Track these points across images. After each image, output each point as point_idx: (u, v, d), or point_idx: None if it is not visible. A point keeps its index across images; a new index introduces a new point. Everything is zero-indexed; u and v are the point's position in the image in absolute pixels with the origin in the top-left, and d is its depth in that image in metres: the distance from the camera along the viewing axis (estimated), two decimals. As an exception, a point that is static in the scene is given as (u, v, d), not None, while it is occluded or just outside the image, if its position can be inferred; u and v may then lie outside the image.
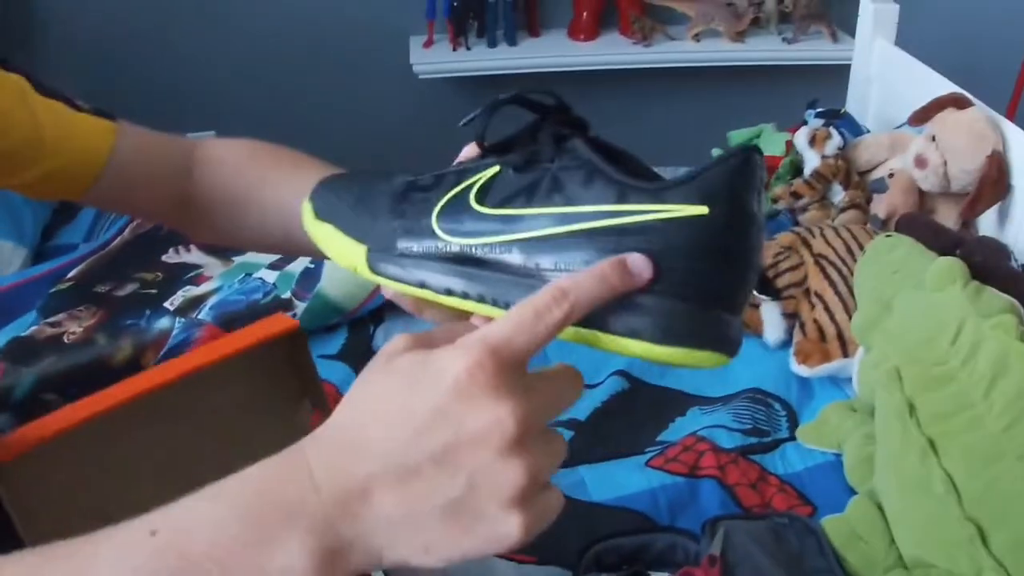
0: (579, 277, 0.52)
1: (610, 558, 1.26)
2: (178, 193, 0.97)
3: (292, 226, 0.84)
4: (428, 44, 3.06)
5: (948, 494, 1.19)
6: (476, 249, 0.60)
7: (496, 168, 0.62)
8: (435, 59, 3.03)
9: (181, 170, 0.97)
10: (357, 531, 0.47)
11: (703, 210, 0.55)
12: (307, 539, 0.46)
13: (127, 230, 2.00)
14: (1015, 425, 1.18)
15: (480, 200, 0.61)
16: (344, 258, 0.68)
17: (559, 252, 0.57)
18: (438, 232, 0.62)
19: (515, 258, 0.59)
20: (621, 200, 0.56)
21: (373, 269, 0.66)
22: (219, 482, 0.49)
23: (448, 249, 0.62)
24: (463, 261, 0.61)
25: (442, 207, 0.63)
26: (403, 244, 0.64)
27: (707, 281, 0.57)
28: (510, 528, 0.48)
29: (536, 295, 0.51)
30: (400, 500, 0.47)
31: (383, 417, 0.48)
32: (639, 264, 0.53)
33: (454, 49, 3.03)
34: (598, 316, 0.55)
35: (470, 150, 0.68)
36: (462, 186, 0.63)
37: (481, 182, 0.62)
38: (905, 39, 2.39)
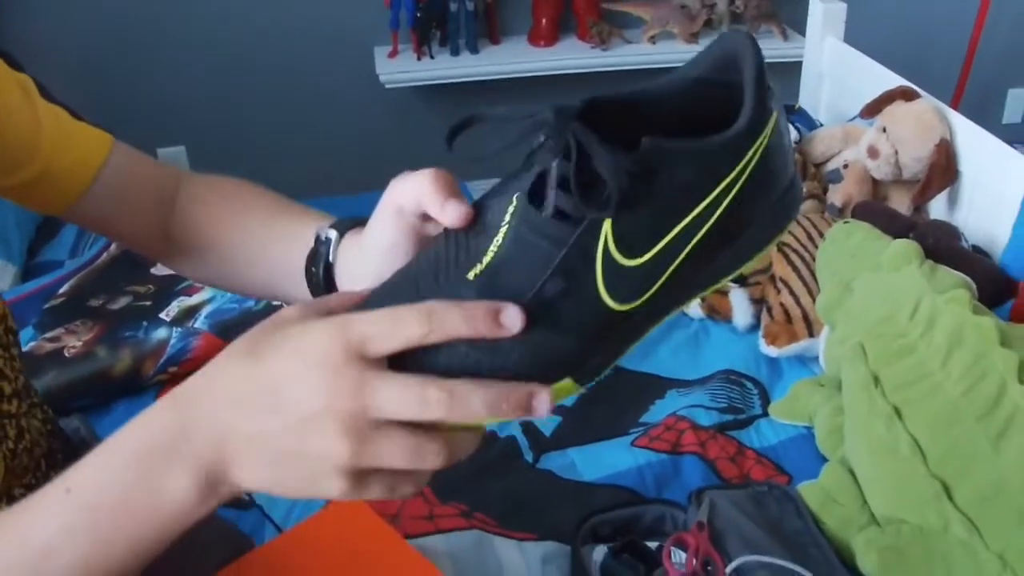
0: (451, 308, 0.53)
1: (605, 530, 1.34)
2: (162, 223, 0.95)
3: (271, 277, 0.86)
4: (393, 54, 3.12)
5: (914, 455, 1.29)
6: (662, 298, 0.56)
7: (605, 220, 0.53)
8: (400, 68, 3.09)
9: (168, 200, 0.96)
10: (222, 467, 0.55)
11: None
12: (187, 476, 0.54)
13: (112, 245, 2.06)
14: (972, 390, 1.28)
15: (626, 253, 0.54)
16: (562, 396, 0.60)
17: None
18: (619, 308, 0.55)
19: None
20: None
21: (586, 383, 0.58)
22: (114, 436, 0.57)
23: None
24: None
25: (602, 286, 0.55)
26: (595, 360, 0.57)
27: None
28: (331, 490, 0.54)
29: (409, 306, 0.53)
30: (247, 443, 0.54)
31: (245, 368, 0.54)
32: (511, 317, 0.53)
33: (418, 58, 3.10)
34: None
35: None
36: (593, 262, 0.54)
37: (607, 239, 0.54)
38: (854, 36, 2.50)
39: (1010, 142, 1.90)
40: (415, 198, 0.60)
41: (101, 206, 0.89)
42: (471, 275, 0.55)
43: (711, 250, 0.56)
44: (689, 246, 0.55)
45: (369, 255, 0.66)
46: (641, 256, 0.54)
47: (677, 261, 0.55)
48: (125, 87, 3.08)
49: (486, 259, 0.55)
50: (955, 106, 3.34)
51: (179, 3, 3.09)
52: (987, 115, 3.68)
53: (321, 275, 0.75)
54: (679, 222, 0.54)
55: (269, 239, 0.86)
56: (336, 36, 3.19)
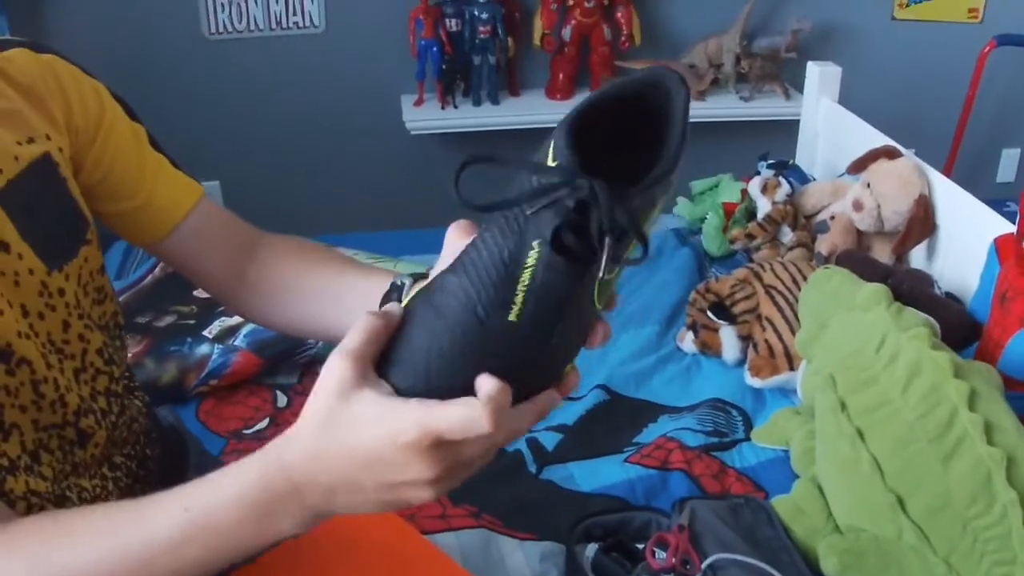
0: (510, 414, 0.66)
1: (596, 531, 1.51)
2: (239, 270, 1.07)
3: (343, 321, 0.89)
4: (419, 103, 3.32)
5: (873, 472, 1.45)
6: None
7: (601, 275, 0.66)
8: (425, 116, 3.29)
9: (247, 250, 1.08)
10: (325, 511, 0.70)
11: None
12: (296, 523, 0.70)
13: (158, 268, 2.24)
14: (926, 415, 1.44)
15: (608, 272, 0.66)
16: None
17: None
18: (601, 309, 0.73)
19: None
20: None
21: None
22: (237, 464, 0.72)
23: None
24: None
25: (596, 298, 0.69)
26: None
27: None
28: (422, 499, 0.69)
29: (478, 409, 0.64)
30: (352, 498, 0.69)
31: (345, 446, 0.67)
32: (556, 399, 0.72)
33: (443, 107, 3.29)
34: None
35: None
36: (593, 282, 0.67)
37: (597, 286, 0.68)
38: (853, 98, 2.68)
39: (1003, 200, 2.04)
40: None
41: (187, 244, 1.03)
42: (512, 317, 0.66)
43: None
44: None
45: None
46: (612, 272, 0.68)
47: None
48: (166, 126, 3.27)
49: (518, 299, 0.66)
50: (950, 165, 3.53)
51: (217, 51, 3.29)
52: (981, 174, 3.85)
53: None
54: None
55: (343, 286, 1.00)
56: (366, 85, 3.39)
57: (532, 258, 0.64)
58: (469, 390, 0.66)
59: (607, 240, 0.63)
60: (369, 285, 0.94)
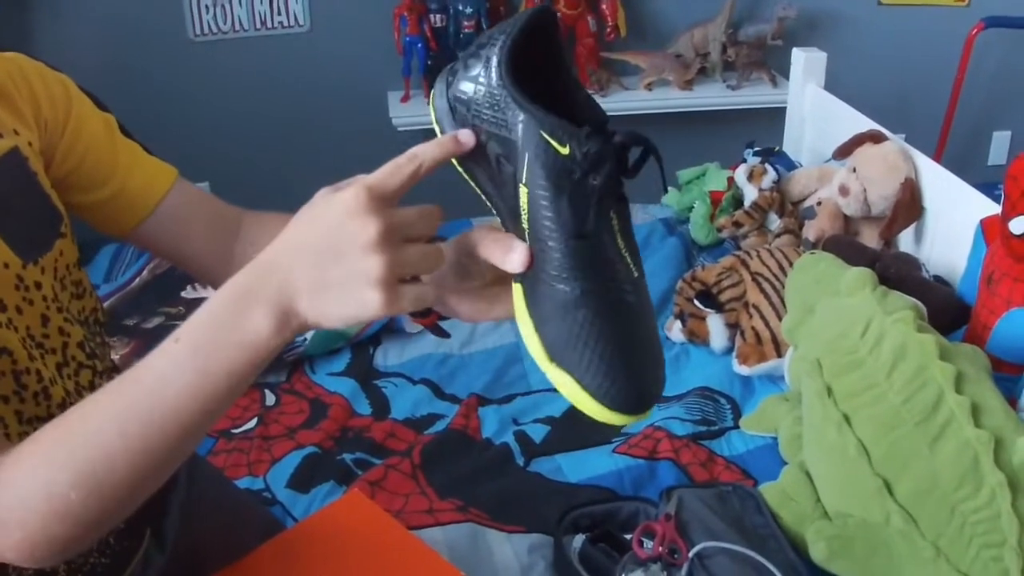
0: (426, 145, 0.74)
1: (584, 522, 1.50)
2: (224, 250, 1.07)
3: None
4: (405, 99, 3.33)
5: (860, 456, 1.45)
6: None
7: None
8: (412, 113, 3.29)
9: (230, 229, 1.09)
10: (291, 300, 0.71)
11: None
12: (264, 312, 0.71)
13: (145, 271, 2.24)
14: (912, 398, 1.44)
15: None
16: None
17: None
18: None
19: None
20: None
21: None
22: (212, 295, 0.75)
23: None
24: None
25: None
26: None
27: None
28: (375, 301, 0.70)
29: (402, 155, 0.73)
30: (311, 277, 0.71)
31: (302, 232, 0.73)
32: (466, 136, 0.76)
33: (428, 103, 3.28)
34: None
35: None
36: None
37: None
38: (840, 85, 2.67)
39: (995, 184, 2.03)
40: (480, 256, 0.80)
41: (167, 227, 1.04)
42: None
43: None
44: None
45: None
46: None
47: None
48: (153, 126, 3.27)
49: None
50: (940, 149, 3.52)
51: (203, 53, 3.29)
52: (973, 157, 3.85)
53: None
54: None
55: None
56: (352, 83, 3.39)
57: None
58: None
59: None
60: None
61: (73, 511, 0.73)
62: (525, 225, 0.75)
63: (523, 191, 0.74)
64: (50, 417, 0.90)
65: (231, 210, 1.10)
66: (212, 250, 1.07)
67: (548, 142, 0.72)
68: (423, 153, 0.74)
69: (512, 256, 0.75)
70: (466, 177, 0.80)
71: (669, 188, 2.69)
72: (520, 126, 0.73)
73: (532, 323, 0.76)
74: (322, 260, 0.71)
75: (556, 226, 0.73)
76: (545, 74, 0.79)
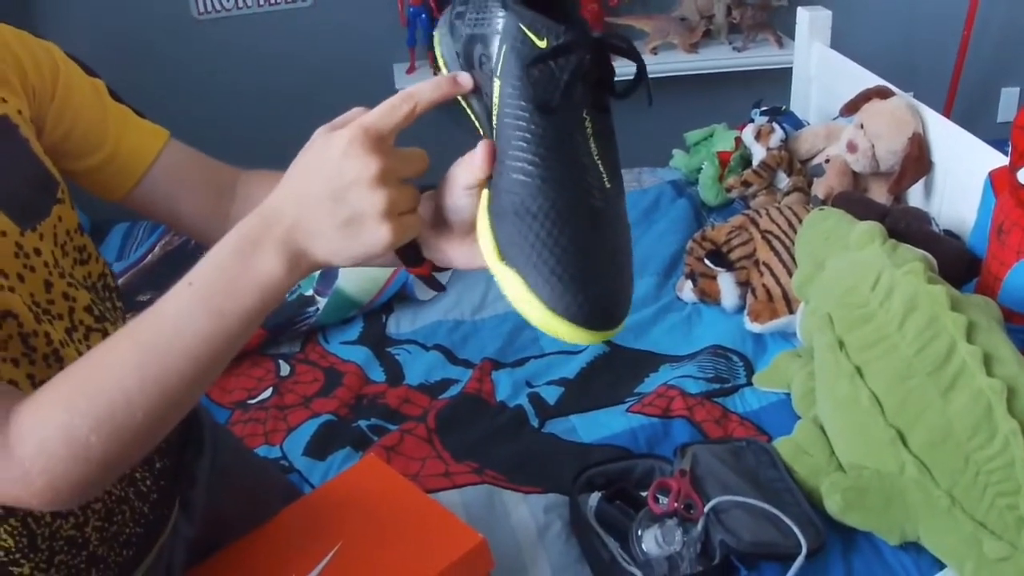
0: (423, 85, 0.76)
1: (599, 481, 1.51)
2: (219, 209, 1.07)
3: None
4: (411, 71, 3.32)
5: (873, 408, 1.45)
6: None
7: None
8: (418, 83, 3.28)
9: (224, 188, 1.08)
10: (301, 242, 0.74)
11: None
12: (274, 254, 0.73)
13: (157, 247, 2.25)
14: (924, 349, 1.44)
15: None
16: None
17: None
18: None
19: None
20: None
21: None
22: (223, 238, 0.76)
23: None
24: None
25: None
26: None
27: None
28: (384, 233, 0.73)
29: (396, 95, 0.75)
30: (318, 221, 0.73)
31: (304, 175, 0.75)
32: (464, 79, 0.77)
33: (434, 73, 3.26)
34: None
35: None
36: None
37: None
38: (847, 43, 2.66)
39: (1005, 140, 2.01)
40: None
41: (161, 188, 1.04)
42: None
43: None
44: None
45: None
46: None
47: None
48: (156, 99, 3.28)
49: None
50: (949, 106, 3.50)
51: (207, 31, 3.29)
52: (981, 114, 3.82)
53: None
54: None
55: None
56: (357, 56, 3.38)
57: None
58: None
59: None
60: None
61: (94, 454, 0.74)
62: (495, 122, 0.75)
63: (496, 84, 0.74)
64: None
65: (226, 169, 1.11)
66: (207, 209, 1.08)
67: (525, 34, 0.71)
68: (419, 93, 0.76)
69: (475, 159, 0.77)
70: (464, 105, 0.80)
71: (676, 151, 2.68)
72: (501, 21, 0.73)
73: (488, 220, 0.76)
74: (327, 200, 0.73)
75: (522, 110, 0.72)
76: None
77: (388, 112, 0.74)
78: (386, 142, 0.73)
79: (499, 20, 0.73)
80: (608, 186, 0.73)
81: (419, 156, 0.76)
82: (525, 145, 0.72)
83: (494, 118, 0.74)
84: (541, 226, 0.71)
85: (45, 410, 0.75)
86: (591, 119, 0.72)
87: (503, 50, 0.73)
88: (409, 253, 0.86)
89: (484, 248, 0.76)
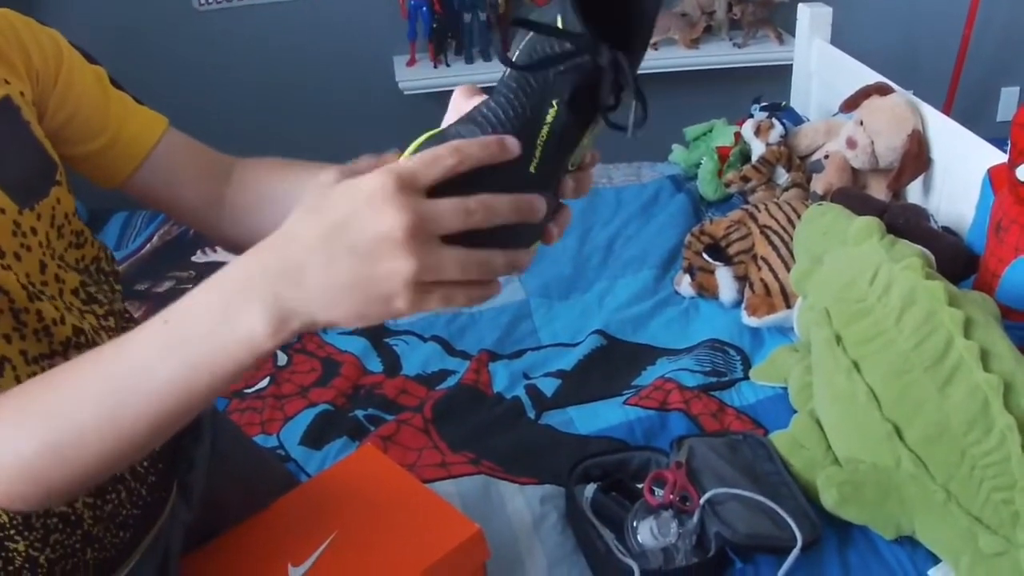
0: (471, 143, 0.65)
1: (595, 472, 1.51)
2: (216, 196, 1.09)
3: None
4: (411, 63, 3.32)
5: (870, 402, 1.46)
6: None
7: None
8: (418, 76, 3.29)
9: (221, 175, 1.09)
10: (296, 300, 0.64)
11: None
12: (261, 311, 0.64)
13: (155, 236, 2.25)
14: (921, 344, 1.44)
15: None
16: None
17: None
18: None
19: None
20: None
21: None
22: (209, 278, 0.69)
23: None
24: None
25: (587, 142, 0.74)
26: None
27: None
28: (399, 305, 0.63)
29: (441, 146, 0.65)
30: (324, 276, 0.62)
31: (314, 218, 0.64)
32: (512, 144, 0.66)
33: (435, 66, 3.29)
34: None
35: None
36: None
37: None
38: (848, 40, 2.65)
39: (1004, 139, 2.01)
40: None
41: (159, 175, 1.05)
42: (532, 168, 0.70)
43: None
44: None
45: None
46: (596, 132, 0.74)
47: None
48: (155, 89, 3.28)
49: (538, 152, 0.70)
50: (949, 104, 3.51)
51: (208, 22, 3.29)
52: (981, 113, 3.83)
53: None
54: None
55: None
56: (358, 48, 3.39)
57: (551, 115, 0.70)
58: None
59: (611, 101, 0.70)
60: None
61: (37, 476, 0.72)
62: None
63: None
64: (52, 355, 0.91)
65: (222, 157, 1.11)
66: (204, 196, 1.08)
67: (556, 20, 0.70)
68: (466, 150, 0.65)
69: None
70: None
71: (676, 146, 2.68)
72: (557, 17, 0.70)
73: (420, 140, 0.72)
74: (337, 257, 0.63)
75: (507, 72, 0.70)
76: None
77: (430, 162, 0.64)
78: (420, 194, 0.63)
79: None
80: (531, 171, 0.71)
81: (455, 206, 0.64)
82: (493, 100, 0.71)
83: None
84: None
85: None
86: (558, 111, 0.70)
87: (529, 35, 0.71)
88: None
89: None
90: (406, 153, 0.71)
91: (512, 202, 0.66)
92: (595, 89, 0.70)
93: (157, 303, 1.95)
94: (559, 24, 0.70)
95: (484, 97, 0.75)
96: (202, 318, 0.67)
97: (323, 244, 0.63)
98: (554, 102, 0.70)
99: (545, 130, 0.70)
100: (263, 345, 0.66)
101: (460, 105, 0.77)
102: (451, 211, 0.63)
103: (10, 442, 0.71)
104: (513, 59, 0.71)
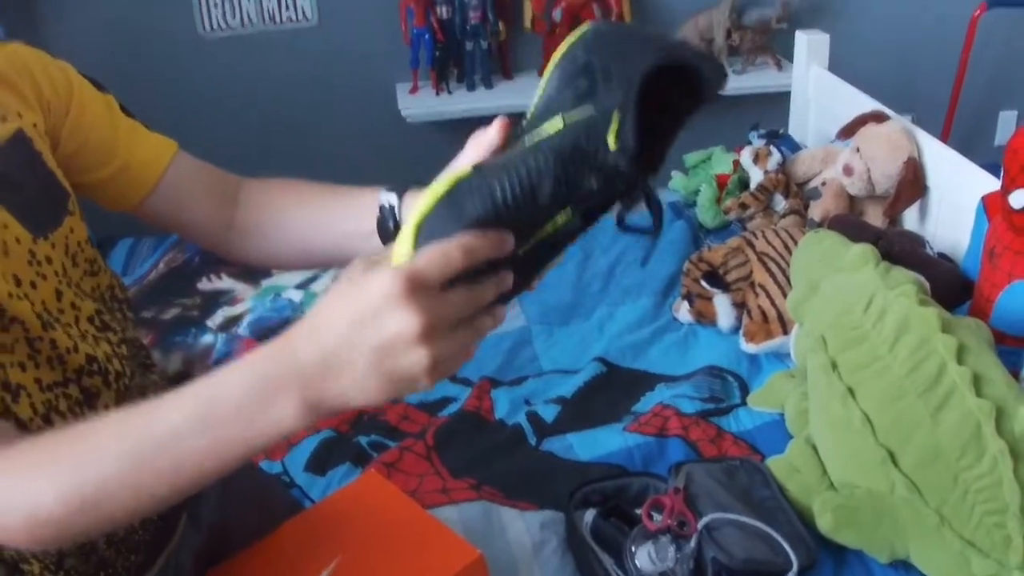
0: (481, 239, 0.71)
1: (595, 498, 1.54)
2: (225, 218, 1.13)
3: (339, 243, 1.06)
4: (414, 91, 3.35)
5: (864, 428, 1.48)
6: None
7: None
8: (420, 104, 3.31)
9: (230, 198, 1.13)
10: (327, 390, 0.71)
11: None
12: (294, 400, 0.71)
13: (161, 263, 2.28)
14: (915, 370, 1.47)
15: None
16: None
17: None
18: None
19: None
20: None
21: None
22: (244, 359, 0.75)
23: None
24: None
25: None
26: None
27: None
28: (423, 385, 0.71)
29: (451, 241, 0.70)
30: (350, 371, 0.70)
31: (337, 317, 0.71)
32: (510, 240, 0.73)
33: (437, 94, 3.32)
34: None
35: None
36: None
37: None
38: (845, 66, 2.68)
39: (1001, 164, 2.02)
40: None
41: (171, 199, 1.08)
42: (521, 252, 0.74)
43: None
44: None
45: None
46: None
47: None
48: (163, 115, 3.32)
49: (532, 241, 0.75)
50: (947, 129, 3.53)
51: (213, 48, 3.32)
52: (979, 137, 3.86)
53: (393, 235, 0.93)
54: None
55: (334, 210, 1.06)
56: (361, 75, 3.42)
57: (562, 218, 0.75)
58: None
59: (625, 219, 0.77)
60: (359, 212, 1.01)
61: (58, 522, 0.75)
62: (524, 136, 0.78)
63: (555, 119, 0.76)
64: (66, 382, 0.94)
65: (231, 178, 1.14)
66: (213, 218, 1.12)
67: (608, 124, 0.74)
68: (477, 248, 0.71)
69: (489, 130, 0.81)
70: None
71: (675, 173, 2.71)
72: (612, 95, 0.75)
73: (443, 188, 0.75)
74: (363, 353, 0.70)
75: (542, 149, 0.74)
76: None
77: (441, 263, 0.70)
78: (431, 291, 0.69)
79: (613, 96, 0.75)
80: (519, 253, 0.75)
81: (477, 298, 0.73)
82: (515, 173, 0.74)
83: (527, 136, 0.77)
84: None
85: (20, 471, 0.76)
86: (572, 219, 0.75)
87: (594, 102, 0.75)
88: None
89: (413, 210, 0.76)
90: (419, 212, 0.74)
91: (497, 287, 0.74)
92: (608, 205, 0.76)
93: (163, 330, 1.98)
94: (612, 133, 0.73)
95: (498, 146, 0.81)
96: (235, 401, 0.73)
97: (349, 341, 0.70)
98: (569, 208, 0.74)
99: (550, 227, 0.75)
100: (293, 428, 0.73)
101: (475, 149, 0.84)
102: (456, 304, 0.71)
103: (34, 488, 0.75)
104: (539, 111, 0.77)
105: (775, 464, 1.58)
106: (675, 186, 2.67)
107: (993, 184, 1.93)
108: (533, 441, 1.73)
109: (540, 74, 3.40)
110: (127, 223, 1.18)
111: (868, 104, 2.37)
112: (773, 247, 2.02)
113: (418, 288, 0.68)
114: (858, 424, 1.49)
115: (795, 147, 2.55)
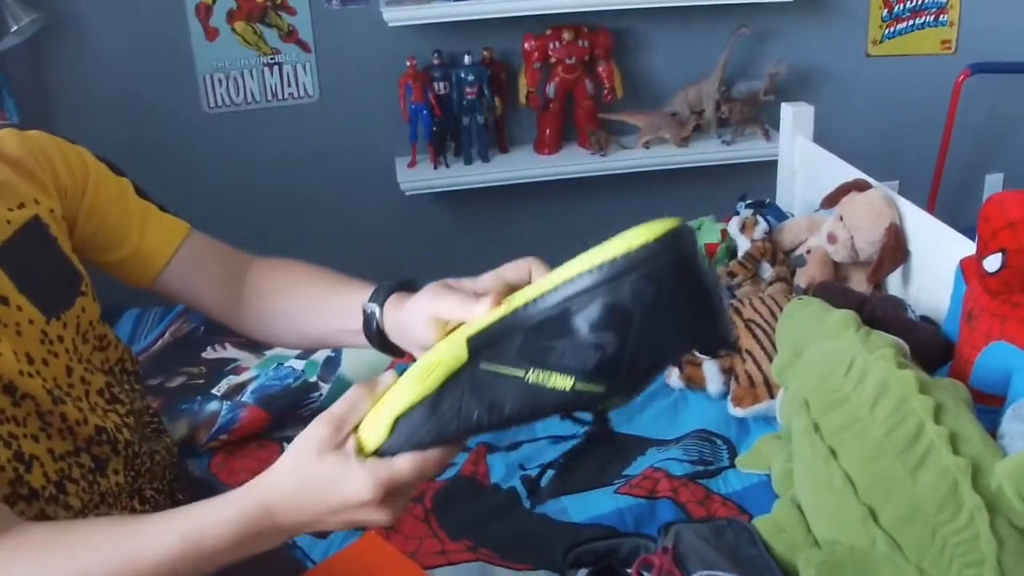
0: (455, 449, 0.88)
1: (587, 558, 1.58)
2: (234, 297, 1.20)
3: (330, 336, 1.17)
4: (412, 164, 3.43)
5: (846, 486, 1.53)
6: None
7: None
8: (419, 177, 3.40)
9: (240, 276, 1.21)
10: (301, 529, 0.87)
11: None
12: (271, 542, 0.86)
13: (167, 333, 2.35)
14: (893, 430, 1.52)
15: None
16: None
17: None
18: None
19: None
20: None
21: None
22: (237, 492, 0.86)
23: None
24: None
25: None
26: None
27: None
28: (384, 524, 0.86)
29: (427, 456, 0.84)
30: (322, 527, 0.86)
31: (312, 507, 0.84)
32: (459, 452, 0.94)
33: (435, 167, 3.40)
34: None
35: None
36: None
37: None
38: (831, 138, 2.77)
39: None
40: (459, 316, 0.88)
41: (182, 278, 1.16)
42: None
43: None
44: None
45: (411, 328, 0.96)
46: None
47: None
48: (165, 190, 3.40)
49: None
50: (934, 194, 3.61)
51: (217, 124, 3.42)
52: (967, 201, 3.90)
53: (376, 339, 1.05)
54: None
55: (327, 303, 1.14)
56: (361, 150, 3.51)
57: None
58: None
59: None
60: (346, 302, 1.09)
61: None
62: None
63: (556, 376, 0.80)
64: (77, 451, 1.00)
65: (240, 257, 1.22)
66: (224, 295, 1.20)
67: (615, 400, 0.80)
68: (448, 457, 0.86)
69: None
70: None
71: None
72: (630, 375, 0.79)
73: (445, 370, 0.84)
74: (335, 524, 0.85)
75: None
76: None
77: (415, 474, 0.83)
78: (407, 495, 0.87)
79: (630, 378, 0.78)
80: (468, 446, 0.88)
81: (434, 464, 0.85)
82: (500, 408, 0.82)
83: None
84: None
85: (8, 564, 0.82)
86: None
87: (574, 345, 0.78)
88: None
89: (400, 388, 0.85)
90: (400, 406, 0.84)
91: (450, 456, 0.88)
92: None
93: (169, 398, 2.04)
94: (603, 398, 0.78)
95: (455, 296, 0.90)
96: (218, 544, 0.84)
97: (327, 520, 0.85)
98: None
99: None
100: (270, 548, 0.88)
101: (429, 302, 0.93)
102: (417, 483, 0.85)
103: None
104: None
105: (762, 523, 1.63)
106: (666, 255, 2.73)
107: (971, 248, 2.00)
108: (528, 504, 1.78)
109: (535, 148, 3.48)
110: (134, 293, 1.24)
111: (852, 173, 2.45)
112: (760, 314, 2.08)
113: (393, 492, 0.83)
114: (839, 483, 1.54)
115: (782, 216, 2.63)
